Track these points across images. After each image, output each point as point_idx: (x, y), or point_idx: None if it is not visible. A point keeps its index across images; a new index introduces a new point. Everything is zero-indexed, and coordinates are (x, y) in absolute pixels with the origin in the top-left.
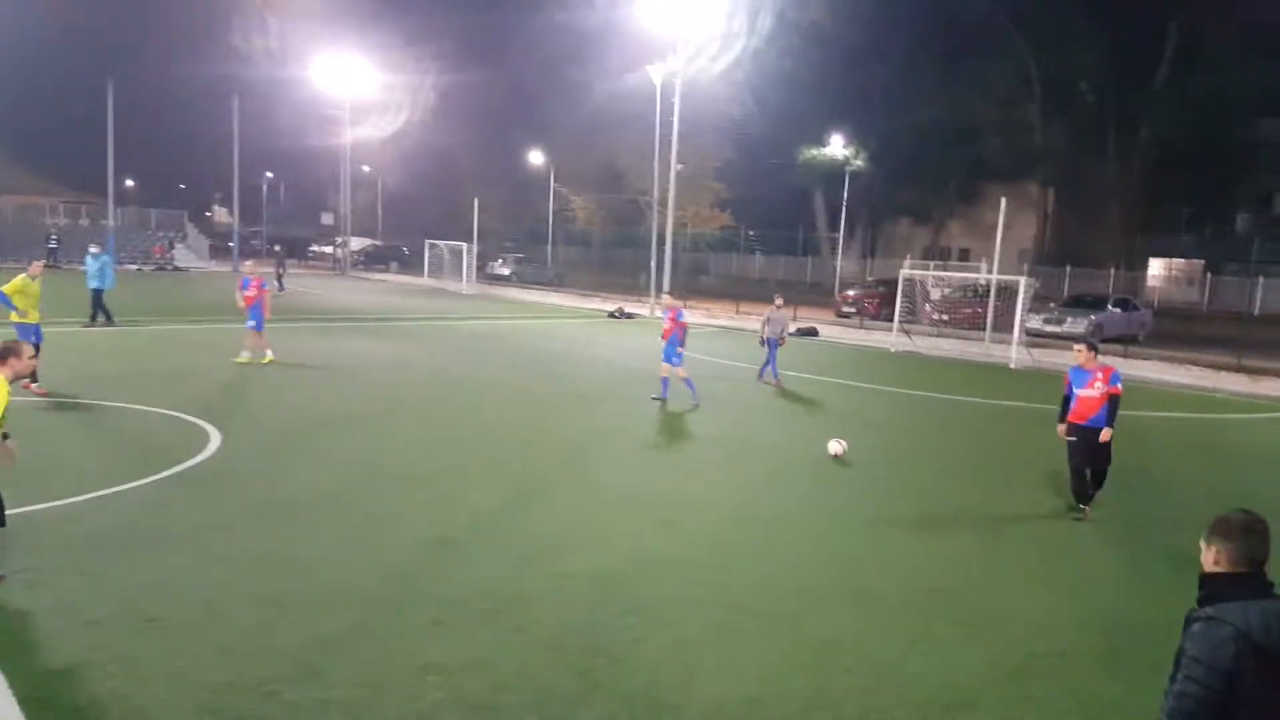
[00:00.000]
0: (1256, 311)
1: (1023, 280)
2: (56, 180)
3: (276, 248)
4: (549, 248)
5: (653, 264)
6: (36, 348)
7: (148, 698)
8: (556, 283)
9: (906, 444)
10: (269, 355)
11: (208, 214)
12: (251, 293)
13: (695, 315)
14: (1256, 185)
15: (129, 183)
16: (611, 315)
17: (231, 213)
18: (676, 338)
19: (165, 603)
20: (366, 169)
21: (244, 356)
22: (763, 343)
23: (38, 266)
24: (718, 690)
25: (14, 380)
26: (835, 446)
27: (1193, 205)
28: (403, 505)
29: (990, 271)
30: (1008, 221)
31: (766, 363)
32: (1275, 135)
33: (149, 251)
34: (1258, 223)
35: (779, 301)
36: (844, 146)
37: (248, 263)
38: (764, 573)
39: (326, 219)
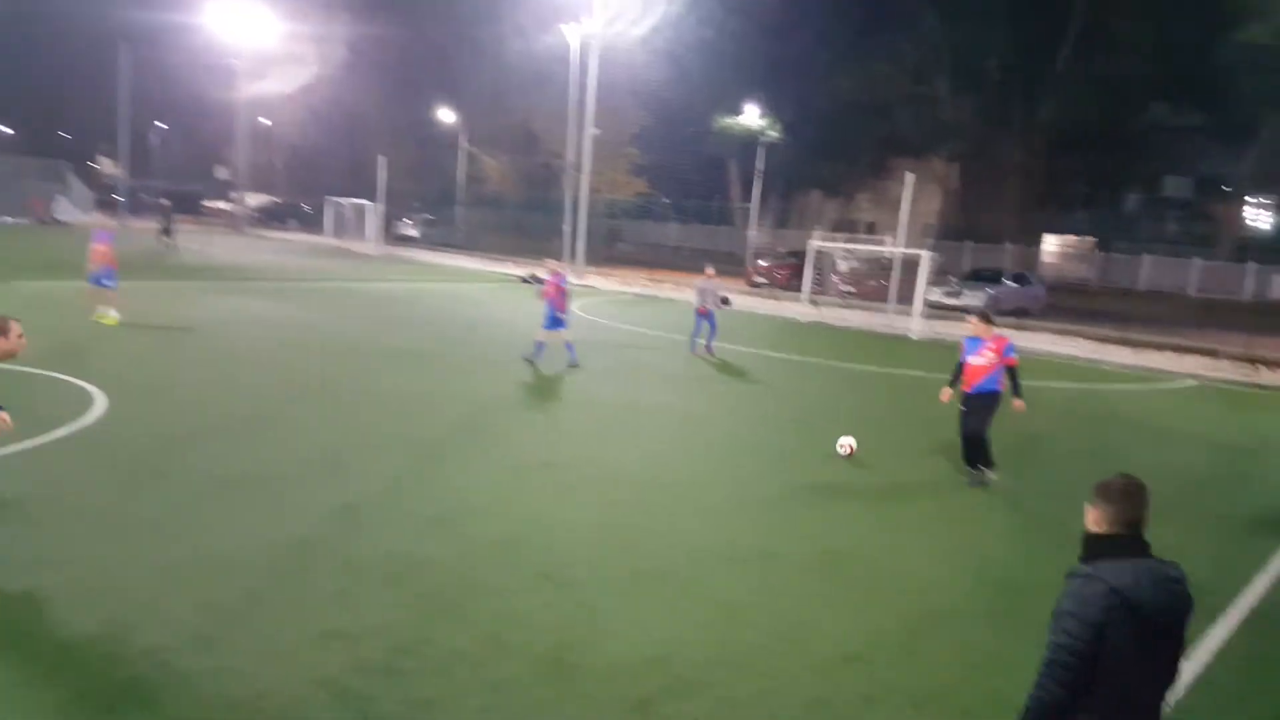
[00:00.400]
0: (1142, 287)
1: (925, 254)
2: None
3: (162, 201)
4: (459, 209)
5: (566, 229)
6: None
7: (31, 672)
8: (467, 246)
9: (811, 411)
10: (110, 315)
11: (93, 165)
12: (102, 247)
13: (611, 283)
14: (1146, 167)
15: (4, 130)
16: (524, 280)
17: (118, 164)
18: (555, 302)
19: (51, 574)
20: (266, 121)
21: (112, 316)
22: (699, 313)
23: None
24: (624, 650)
25: (2, 360)
26: (845, 445)
27: (1087, 185)
28: (302, 471)
29: (895, 245)
30: (913, 196)
31: (710, 333)
32: (1165, 120)
33: (27, 204)
34: (1146, 203)
35: (710, 271)
36: (759, 117)
37: (97, 214)
38: (670, 536)
39: (222, 173)
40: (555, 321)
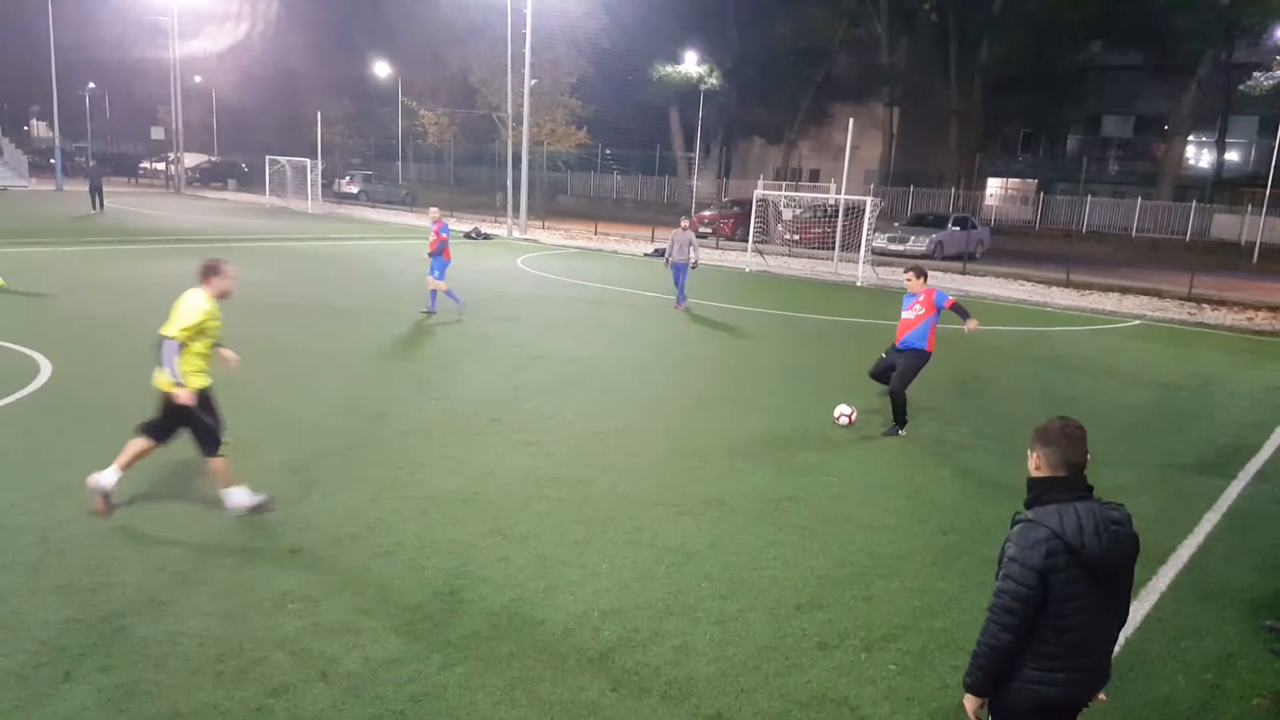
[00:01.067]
0: (1084, 229)
1: (869, 200)
2: None
3: (92, 163)
4: (399, 165)
5: (509, 183)
6: None
7: None
8: (409, 202)
9: (759, 361)
10: None
11: (25, 128)
12: None
13: (554, 236)
14: (1086, 108)
15: None
16: (468, 236)
17: (52, 127)
18: (440, 251)
19: None
20: (198, 79)
21: None
22: (669, 266)
23: None
24: (580, 603)
25: (219, 298)
26: (844, 414)
27: (1028, 126)
28: (250, 432)
29: (839, 192)
30: (855, 142)
31: (679, 289)
32: (1104, 59)
33: None
34: (1087, 144)
35: (684, 224)
36: (699, 64)
37: (33, 179)
38: (620, 487)
39: (157, 134)
40: (442, 268)
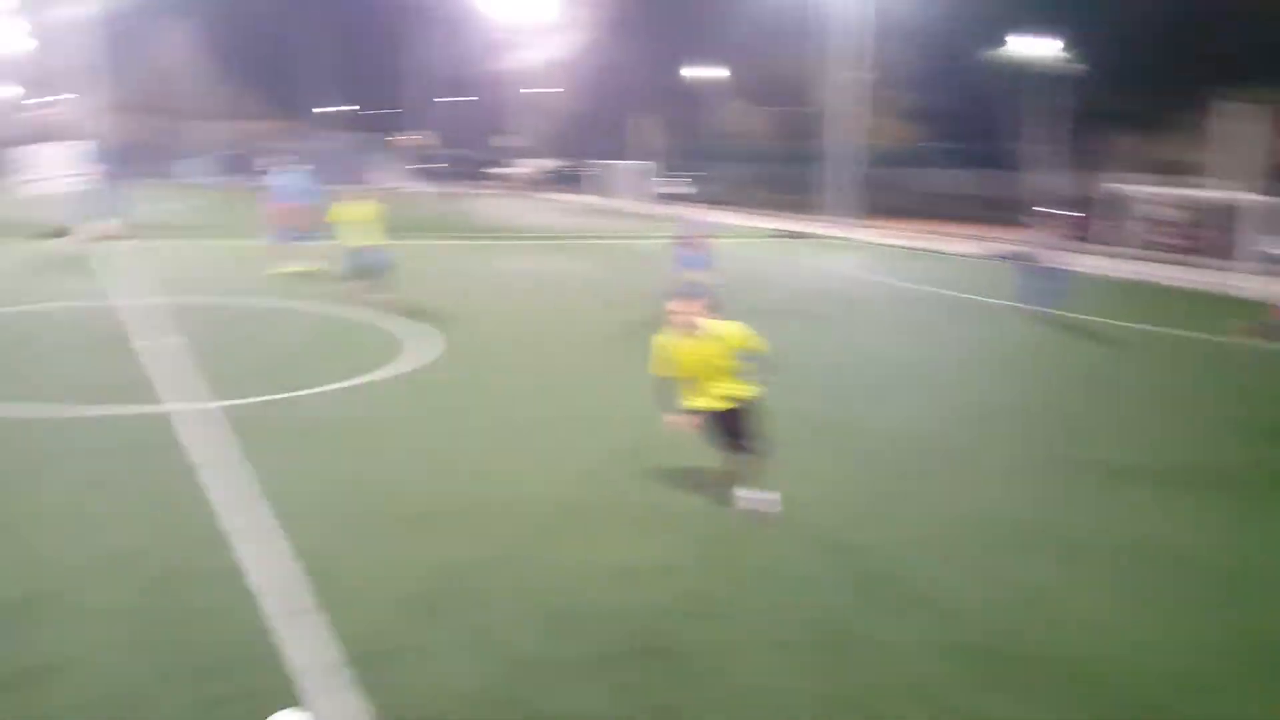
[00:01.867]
0: None
1: (1258, 199)
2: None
3: (444, 165)
4: (720, 165)
5: (837, 178)
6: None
7: (349, 591)
8: (737, 201)
9: (1120, 383)
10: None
11: (396, 136)
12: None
13: (884, 236)
14: None
15: (343, 107)
16: (779, 234)
17: (419, 137)
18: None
19: (356, 499)
20: (555, 90)
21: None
22: (1025, 271)
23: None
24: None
25: (682, 332)
26: None
27: None
28: (604, 413)
29: (1229, 190)
30: (1244, 131)
31: (1046, 292)
32: None
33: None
34: None
35: (1031, 224)
36: (1056, 47)
37: (423, 183)
38: (951, 509)
39: (507, 140)
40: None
